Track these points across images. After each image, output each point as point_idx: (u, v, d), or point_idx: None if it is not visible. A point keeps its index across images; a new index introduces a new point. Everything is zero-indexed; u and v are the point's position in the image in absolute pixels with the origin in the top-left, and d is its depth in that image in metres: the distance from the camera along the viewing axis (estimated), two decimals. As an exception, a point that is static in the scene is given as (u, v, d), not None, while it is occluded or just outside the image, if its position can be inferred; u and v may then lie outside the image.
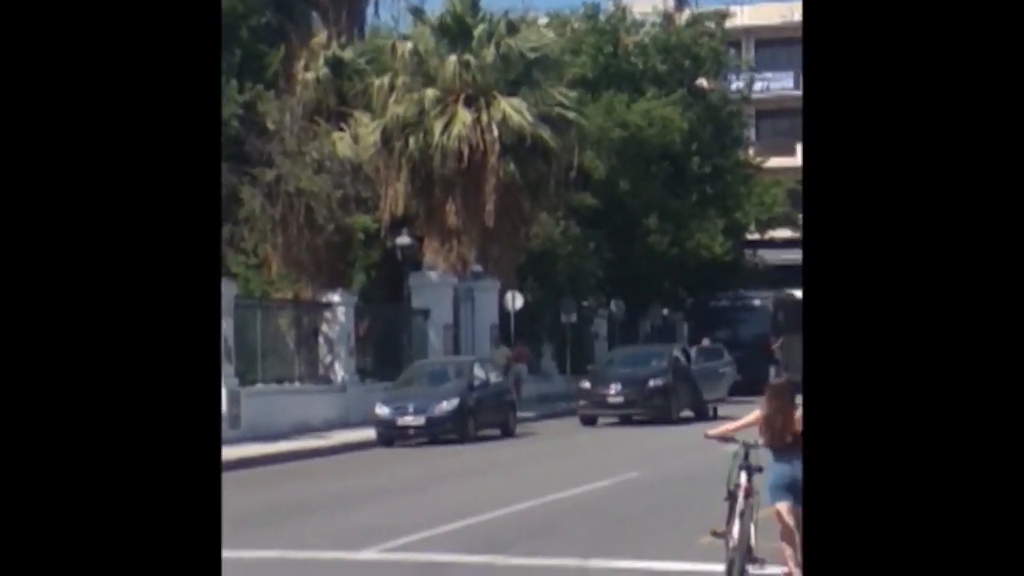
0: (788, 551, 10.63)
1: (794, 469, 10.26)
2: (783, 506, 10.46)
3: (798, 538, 10.33)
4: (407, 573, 12.34)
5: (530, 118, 34.95)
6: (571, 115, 36.73)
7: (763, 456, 10.84)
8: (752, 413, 10.85)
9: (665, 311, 49.11)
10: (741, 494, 10.67)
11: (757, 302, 45.38)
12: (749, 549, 10.66)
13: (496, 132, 34.72)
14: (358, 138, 34.64)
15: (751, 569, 10.69)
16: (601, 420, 31.26)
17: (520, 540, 13.72)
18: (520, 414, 30.56)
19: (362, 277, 35.61)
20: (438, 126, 34.89)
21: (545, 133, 35.32)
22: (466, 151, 34.46)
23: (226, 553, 6.72)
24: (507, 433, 28.43)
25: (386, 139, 34.95)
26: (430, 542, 13.75)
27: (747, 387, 36.40)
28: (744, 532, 10.57)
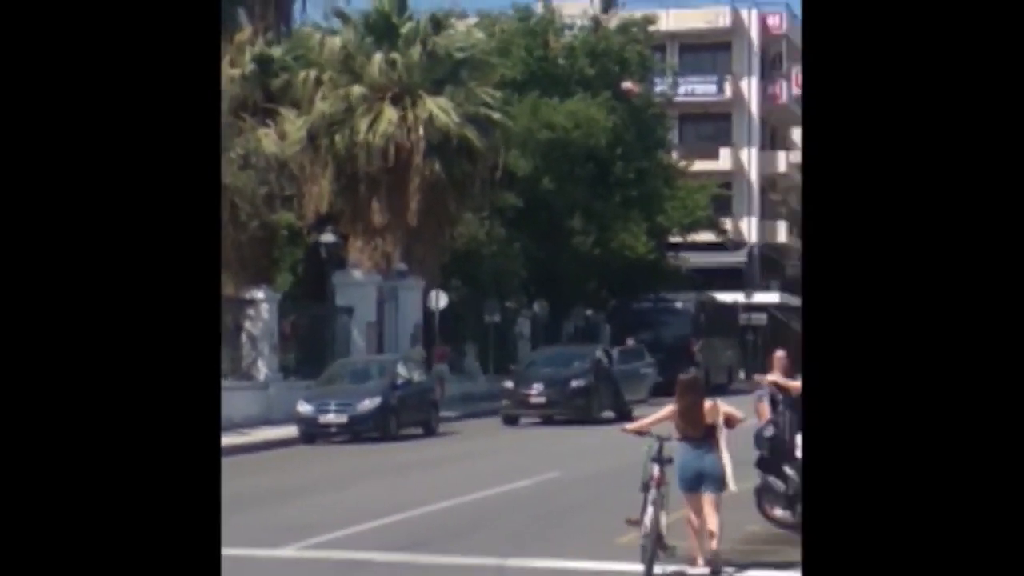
0: (695, 542, 11.68)
1: (701, 460, 11.44)
2: (693, 497, 11.49)
3: (711, 523, 11.36)
4: (325, 570, 12.39)
5: (456, 118, 34.99)
6: (496, 115, 36.83)
7: (676, 449, 11.63)
8: (666, 408, 11.79)
9: (589, 312, 49.36)
10: (653, 484, 11.49)
11: (679, 304, 45.79)
12: (659, 536, 11.44)
13: (422, 131, 34.74)
14: (284, 134, 34.49)
15: (661, 555, 11.45)
16: (523, 420, 31.39)
17: (439, 538, 13.78)
18: (443, 413, 30.58)
19: (288, 275, 35.46)
20: (364, 124, 34.86)
21: (471, 133, 35.38)
22: (392, 149, 34.46)
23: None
24: (429, 432, 28.45)
25: (312, 136, 34.86)
26: (349, 540, 13.78)
27: (668, 388, 36.42)
28: (655, 519, 11.33)
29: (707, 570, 11.50)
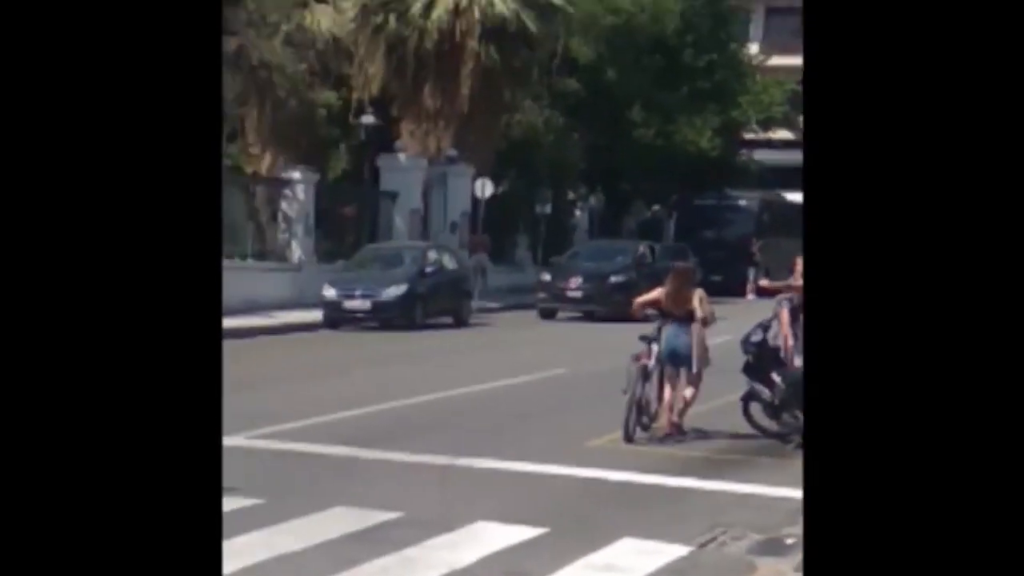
0: (668, 404, 13.25)
1: (678, 339, 13.19)
2: (670, 370, 13.20)
3: (680, 394, 13.24)
4: (259, 460, 11.78)
5: (513, 3, 34.02)
6: (557, 1, 35.74)
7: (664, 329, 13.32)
8: (657, 289, 13.58)
9: (655, 207, 48.30)
10: (640, 358, 13.06)
11: (742, 202, 44.40)
12: (639, 403, 12.93)
13: (477, 15, 33.80)
14: (338, 11, 33.78)
15: (645, 420, 13.06)
16: (561, 314, 30.69)
17: (397, 434, 13.20)
18: (485, 303, 29.98)
19: (343, 158, 34.81)
20: (418, 5, 34.02)
21: (529, 19, 34.38)
22: (446, 33, 33.66)
23: None
24: (460, 322, 27.88)
25: (365, 14, 34.09)
26: (305, 431, 13.27)
27: (726, 288, 35.61)
28: (634, 387, 12.85)
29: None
